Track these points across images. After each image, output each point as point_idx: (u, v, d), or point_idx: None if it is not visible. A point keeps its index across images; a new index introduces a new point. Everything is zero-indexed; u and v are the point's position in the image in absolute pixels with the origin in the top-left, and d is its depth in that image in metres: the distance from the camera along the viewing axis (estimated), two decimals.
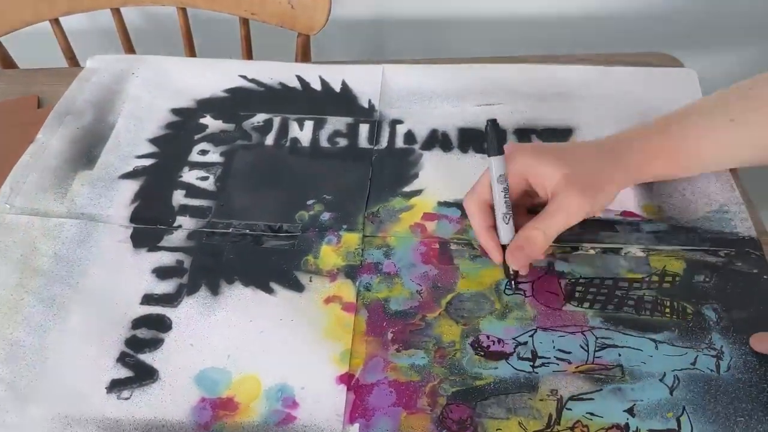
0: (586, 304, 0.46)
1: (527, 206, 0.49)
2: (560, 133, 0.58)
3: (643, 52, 0.68)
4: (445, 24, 1.10)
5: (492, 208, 0.46)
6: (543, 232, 0.44)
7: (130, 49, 0.90)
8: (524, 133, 0.58)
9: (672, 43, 0.88)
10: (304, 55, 0.87)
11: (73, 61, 0.90)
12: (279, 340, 0.45)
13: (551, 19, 1.08)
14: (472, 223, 0.47)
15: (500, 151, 0.45)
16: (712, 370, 0.42)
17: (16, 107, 0.63)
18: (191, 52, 0.90)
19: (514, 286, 0.47)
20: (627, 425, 0.40)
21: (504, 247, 0.46)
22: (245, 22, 0.87)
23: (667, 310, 0.45)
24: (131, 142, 0.59)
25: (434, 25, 1.11)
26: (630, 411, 0.40)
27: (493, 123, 0.45)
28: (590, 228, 0.50)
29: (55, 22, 0.86)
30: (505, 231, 0.45)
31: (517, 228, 0.46)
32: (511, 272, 0.46)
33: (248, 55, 0.90)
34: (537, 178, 0.46)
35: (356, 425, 0.40)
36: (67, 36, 0.88)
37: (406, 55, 0.67)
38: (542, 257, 0.47)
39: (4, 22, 0.84)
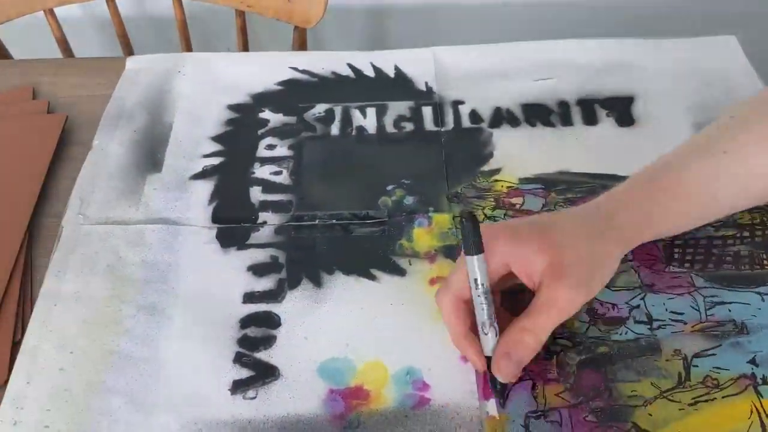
0: (687, 265, 0.47)
1: (507, 288, 0.42)
2: (623, 102, 0.59)
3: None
4: (441, 13, 1.10)
5: (471, 305, 0.39)
6: (534, 334, 0.38)
7: (125, 40, 0.88)
8: (588, 104, 0.59)
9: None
10: (301, 47, 0.86)
11: (68, 51, 0.88)
12: (394, 325, 0.45)
13: (551, 5, 1.10)
14: (448, 327, 0.41)
15: (479, 250, 0.38)
16: None
17: (11, 98, 0.61)
18: (186, 44, 0.89)
19: (502, 401, 0.40)
20: (753, 374, 0.41)
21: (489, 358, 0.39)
22: (241, 14, 0.86)
23: (766, 262, 0.47)
24: (193, 141, 0.57)
25: (431, 15, 1.11)
26: (753, 361, 0.42)
27: (469, 217, 0.38)
28: None
29: (50, 12, 0.84)
30: (487, 342, 0.39)
31: (500, 325, 0.39)
32: (498, 386, 0.39)
33: (244, 47, 0.88)
34: (521, 267, 0.39)
35: (492, 401, 0.41)
36: (62, 26, 0.85)
37: (404, 45, 0.67)
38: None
39: None
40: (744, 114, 0.46)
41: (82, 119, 0.59)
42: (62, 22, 0.86)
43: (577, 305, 0.39)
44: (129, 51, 0.89)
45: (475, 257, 0.38)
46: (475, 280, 0.38)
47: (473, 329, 0.40)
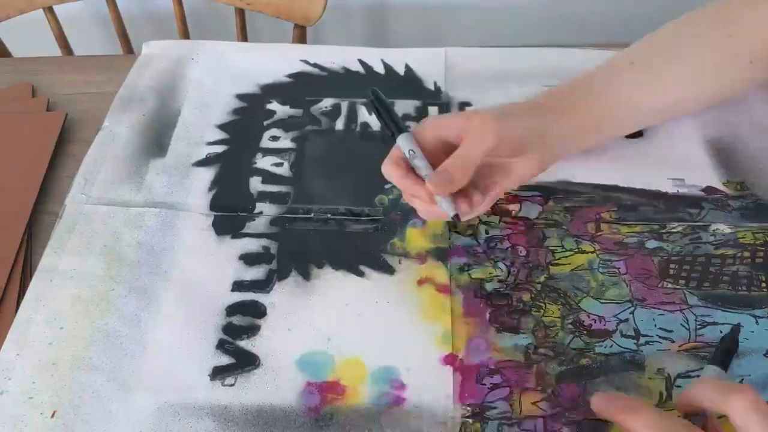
0: (682, 282, 0.46)
1: None
2: None
3: None
4: (439, 10, 1.10)
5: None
6: (460, 160, 0.43)
7: (124, 38, 0.89)
8: None
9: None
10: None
11: (67, 49, 0.90)
12: (378, 323, 0.45)
13: (553, 6, 1.08)
14: (395, 179, 0.45)
15: (403, 128, 0.45)
16: None
17: (11, 96, 0.62)
18: None
19: (456, 223, 0.49)
20: None
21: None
22: (241, 12, 0.86)
23: (764, 284, 0.46)
24: (199, 128, 0.58)
25: (430, 12, 1.10)
26: None
27: (376, 98, 0.47)
28: (676, 205, 0.50)
29: (49, 10, 0.85)
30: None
31: None
32: (452, 216, 0.43)
33: None
34: (448, 129, 0.45)
35: (468, 405, 0.40)
36: (61, 24, 0.87)
37: (403, 42, 0.66)
38: (477, 206, 0.44)
39: None
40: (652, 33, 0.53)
41: (81, 117, 0.59)
42: (61, 19, 0.86)
43: (491, 133, 0.43)
44: (128, 48, 0.91)
45: (402, 136, 0.45)
46: (410, 150, 0.44)
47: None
